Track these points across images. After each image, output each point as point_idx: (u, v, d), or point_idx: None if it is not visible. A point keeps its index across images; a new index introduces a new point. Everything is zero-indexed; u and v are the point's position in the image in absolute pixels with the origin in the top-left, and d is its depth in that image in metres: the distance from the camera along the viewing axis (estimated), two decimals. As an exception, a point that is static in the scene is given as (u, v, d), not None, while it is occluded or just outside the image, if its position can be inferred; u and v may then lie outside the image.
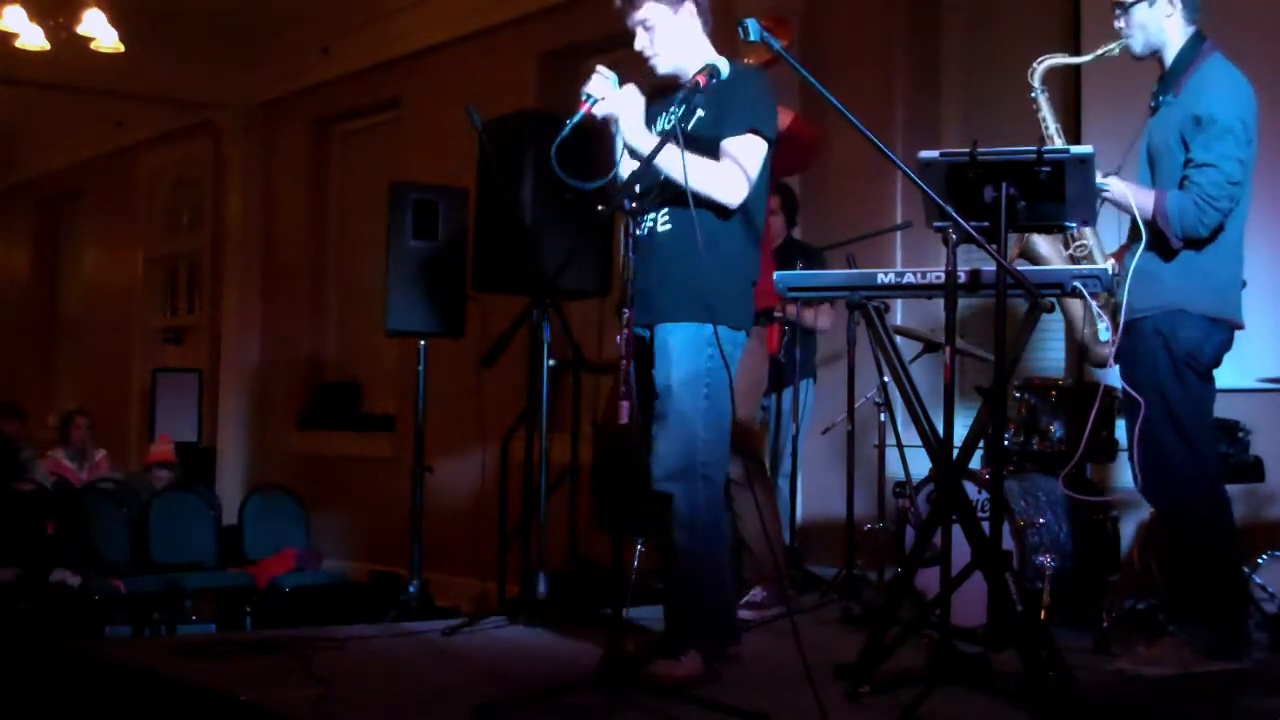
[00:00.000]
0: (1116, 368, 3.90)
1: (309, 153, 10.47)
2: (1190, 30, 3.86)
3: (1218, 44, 3.87)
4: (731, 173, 3.67)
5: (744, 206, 3.72)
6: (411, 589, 5.83)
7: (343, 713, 3.38)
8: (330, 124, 10.45)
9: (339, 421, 9.93)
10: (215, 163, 11.36)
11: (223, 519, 8.49)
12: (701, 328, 3.67)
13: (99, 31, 8.24)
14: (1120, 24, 3.93)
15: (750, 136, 3.70)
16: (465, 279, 5.82)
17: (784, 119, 4.92)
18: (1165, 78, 3.89)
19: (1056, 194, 3.48)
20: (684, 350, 3.69)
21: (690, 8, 3.79)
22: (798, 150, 5.00)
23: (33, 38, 8.35)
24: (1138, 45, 3.91)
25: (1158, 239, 3.81)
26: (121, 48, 8.47)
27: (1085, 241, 4.03)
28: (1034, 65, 4.11)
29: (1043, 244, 4.13)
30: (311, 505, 8.73)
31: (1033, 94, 4.11)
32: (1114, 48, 3.97)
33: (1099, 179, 3.71)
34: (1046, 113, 4.11)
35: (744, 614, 4.77)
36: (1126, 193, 3.78)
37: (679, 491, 3.67)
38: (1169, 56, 3.88)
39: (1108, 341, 3.91)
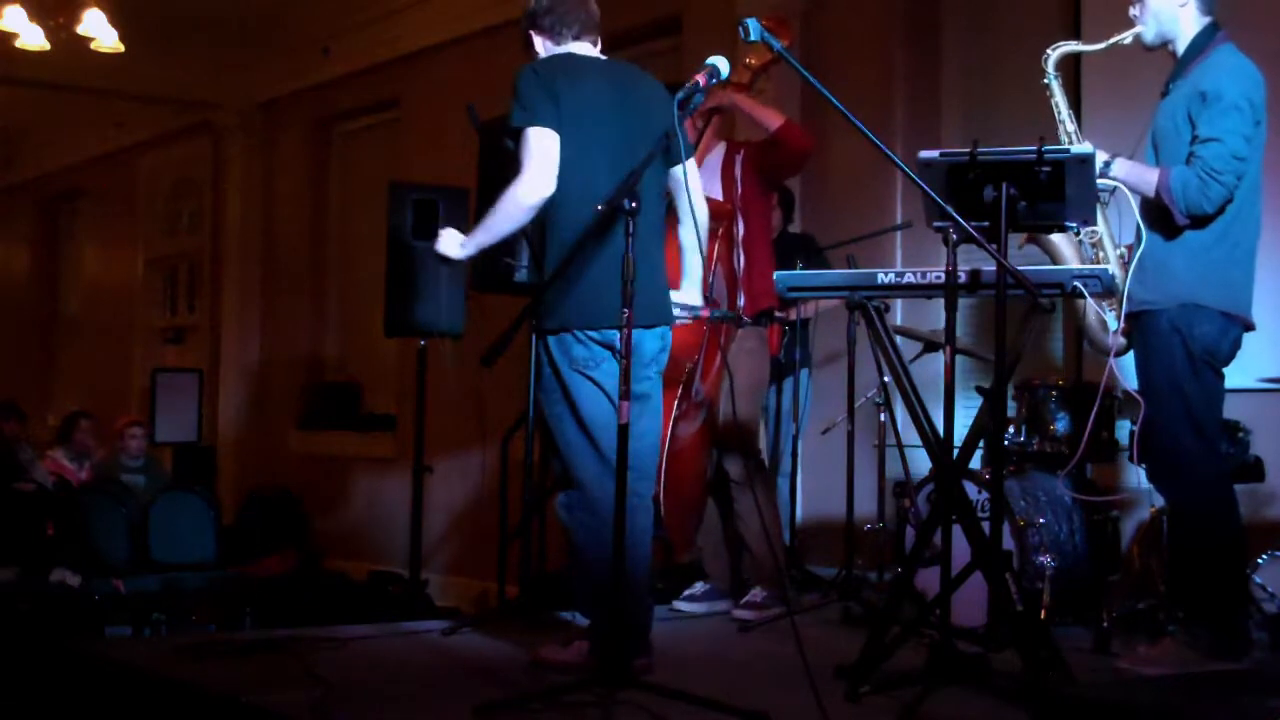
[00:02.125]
0: (1121, 359, 3.90)
1: (309, 153, 10.48)
2: (1205, 21, 3.86)
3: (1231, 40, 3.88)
4: (511, 188, 3.69)
5: (554, 200, 3.68)
6: (412, 589, 5.83)
7: (343, 713, 3.38)
8: (330, 124, 10.46)
9: (339, 421, 9.93)
10: (215, 163, 11.37)
11: (223, 519, 8.48)
12: (543, 343, 3.76)
13: (99, 31, 8.24)
14: (1135, 11, 3.93)
15: (524, 133, 3.69)
16: (465, 279, 5.82)
17: (774, 121, 4.92)
18: (1177, 66, 3.89)
19: (1056, 194, 3.48)
20: (539, 369, 3.81)
21: (533, 38, 3.90)
22: (788, 157, 4.98)
23: (33, 38, 8.34)
24: (1150, 34, 3.91)
25: (1160, 222, 3.80)
26: (121, 48, 8.47)
27: (1096, 228, 4.02)
28: (1048, 51, 4.12)
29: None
30: (311, 505, 8.73)
31: (1046, 80, 4.11)
32: (1127, 36, 3.97)
33: (1102, 163, 3.72)
34: (1059, 99, 4.12)
35: (744, 614, 4.78)
36: (1131, 172, 3.79)
37: (558, 500, 3.81)
38: (1180, 47, 3.88)
39: (1116, 331, 3.91)
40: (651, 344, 3.81)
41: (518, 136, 3.70)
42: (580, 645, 3.80)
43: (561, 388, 3.72)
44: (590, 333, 3.68)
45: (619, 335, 3.60)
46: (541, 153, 3.66)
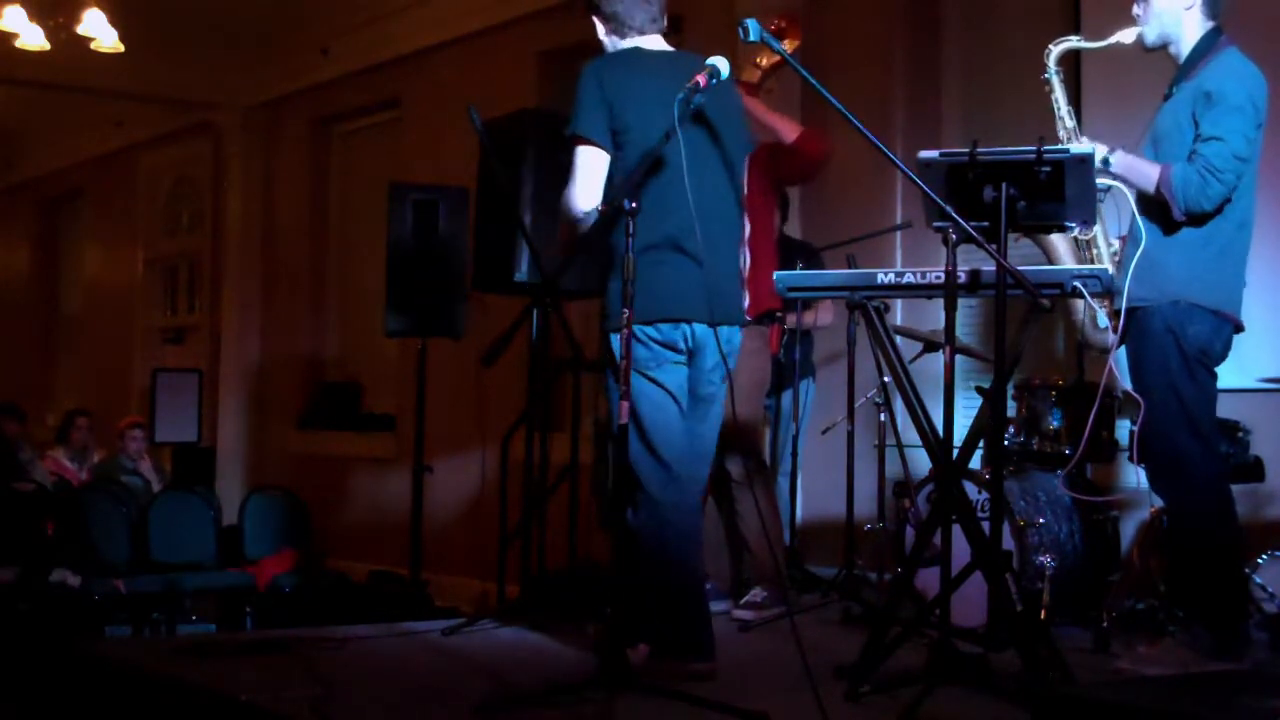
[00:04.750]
0: (1118, 356, 3.90)
1: (309, 153, 10.47)
2: (1209, 25, 3.86)
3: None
4: (564, 196, 3.78)
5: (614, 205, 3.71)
6: (412, 589, 5.82)
7: (343, 713, 3.38)
8: (330, 124, 10.45)
9: (339, 421, 9.92)
10: (215, 163, 11.36)
11: (223, 519, 8.49)
12: (607, 342, 3.76)
13: (99, 31, 8.23)
14: (1138, 11, 3.93)
15: (574, 144, 3.76)
16: (465, 279, 5.82)
17: (790, 132, 4.90)
18: (1180, 68, 3.89)
19: (1056, 194, 3.48)
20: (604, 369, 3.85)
21: (595, 24, 3.93)
22: (799, 163, 4.99)
23: (33, 38, 8.34)
24: (1151, 34, 3.91)
25: (1157, 218, 3.80)
26: (121, 48, 8.46)
27: (1091, 227, 4.02)
28: (1049, 47, 4.13)
29: None
30: (311, 505, 8.73)
31: (1046, 75, 4.12)
32: (1129, 35, 3.97)
33: (1101, 158, 3.72)
34: (1059, 95, 4.12)
35: (744, 614, 4.78)
36: (1131, 166, 3.79)
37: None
38: (1183, 50, 3.88)
39: (1106, 328, 3.91)
40: (702, 337, 3.82)
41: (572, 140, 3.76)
42: (641, 649, 3.77)
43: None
44: (649, 331, 3.70)
45: (683, 334, 3.71)
46: (584, 169, 3.73)
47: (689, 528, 3.80)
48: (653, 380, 3.72)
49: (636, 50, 3.87)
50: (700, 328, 3.75)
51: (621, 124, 3.70)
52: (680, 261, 3.69)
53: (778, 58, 4.88)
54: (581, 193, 3.71)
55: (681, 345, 3.76)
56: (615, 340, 3.68)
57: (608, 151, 3.71)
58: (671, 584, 3.75)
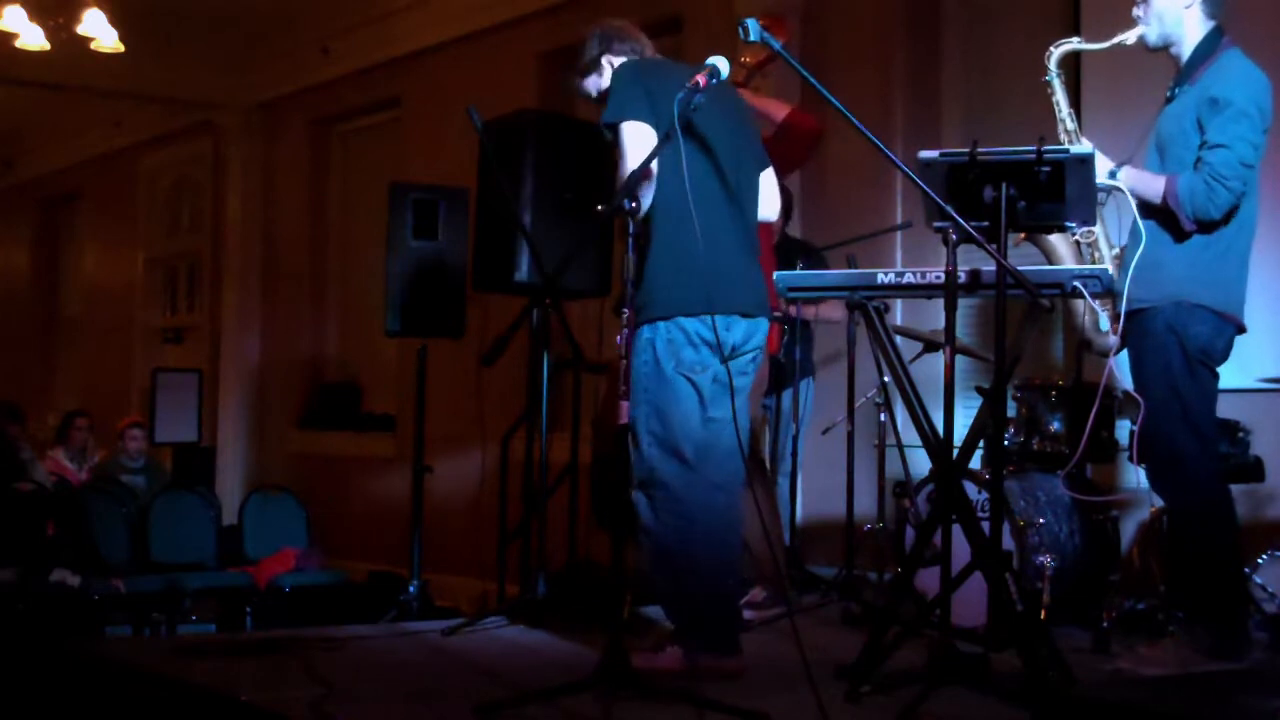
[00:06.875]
0: (1118, 357, 3.90)
1: (309, 153, 10.47)
2: (1210, 25, 3.86)
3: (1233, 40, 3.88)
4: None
5: (658, 196, 3.72)
6: (411, 589, 5.82)
7: (343, 713, 3.39)
8: (330, 124, 10.46)
9: (339, 421, 9.93)
10: (215, 163, 11.37)
11: (223, 519, 8.48)
12: (639, 331, 3.73)
13: (99, 31, 8.24)
14: (1139, 12, 3.93)
15: (619, 129, 3.76)
16: (465, 279, 5.82)
17: (779, 111, 4.94)
18: (1182, 70, 3.89)
19: (1056, 194, 3.48)
20: (633, 356, 3.76)
21: (610, 61, 3.98)
22: (798, 142, 5.02)
23: (33, 38, 8.35)
24: (1153, 35, 3.91)
25: (1161, 223, 3.80)
26: (121, 48, 8.47)
27: (1093, 229, 4.03)
28: (1050, 49, 4.12)
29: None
30: (311, 505, 8.73)
31: (1047, 77, 4.11)
32: (1130, 36, 3.96)
33: (1108, 171, 3.72)
34: (1060, 97, 4.12)
35: (744, 614, 4.77)
36: (1137, 179, 3.79)
37: (638, 499, 3.76)
38: (1184, 50, 3.88)
39: (1108, 331, 3.91)
40: (744, 333, 3.84)
41: (613, 132, 3.76)
42: (675, 651, 3.77)
43: (658, 384, 3.73)
44: (698, 329, 3.70)
45: (730, 331, 3.73)
46: (631, 147, 3.70)
47: (715, 527, 3.79)
48: (691, 382, 3.74)
49: (660, 59, 3.98)
50: (737, 321, 3.80)
51: (655, 117, 3.70)
52: (715, 257, 3.72)
53: (763, 55, 4.92)
54: (634, 166, 3.65)
55: (730, 342, 3.78)
56: (653, 330, 3.71)
57: (653, 127, 3.70)
58: (701, 587, 3.75)
